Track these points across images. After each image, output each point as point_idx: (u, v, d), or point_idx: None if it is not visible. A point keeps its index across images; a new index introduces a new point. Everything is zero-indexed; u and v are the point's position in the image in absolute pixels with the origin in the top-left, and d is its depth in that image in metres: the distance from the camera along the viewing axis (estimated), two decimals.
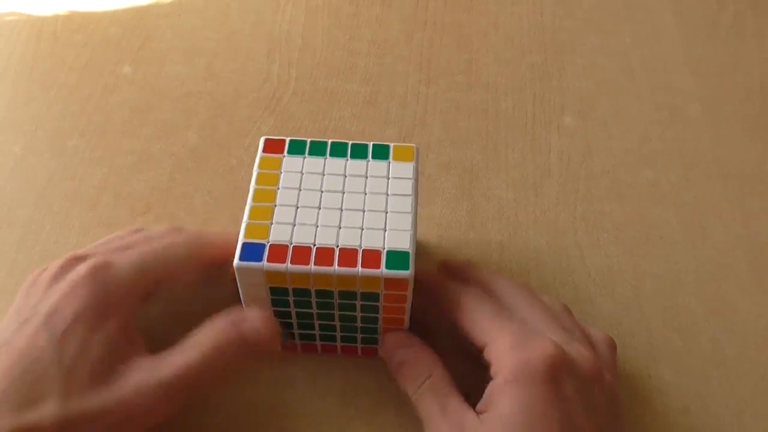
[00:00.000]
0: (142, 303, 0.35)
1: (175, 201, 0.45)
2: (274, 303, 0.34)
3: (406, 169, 0.36)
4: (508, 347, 0.31)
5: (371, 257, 0.32)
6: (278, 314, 0.35)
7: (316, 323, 0.36)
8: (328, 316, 0.35)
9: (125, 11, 0.57)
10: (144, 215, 0.44)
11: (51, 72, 0.52)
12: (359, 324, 0.36)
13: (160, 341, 0.33)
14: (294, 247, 0.33)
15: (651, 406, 0.37)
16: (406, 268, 0.32)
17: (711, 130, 0.50)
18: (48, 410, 0.29)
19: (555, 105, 0.51)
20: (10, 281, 0.41)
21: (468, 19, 0.57)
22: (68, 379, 0.30)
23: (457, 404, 0.32)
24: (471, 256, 0.43)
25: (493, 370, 0.32)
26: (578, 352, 0.32)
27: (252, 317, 0.34)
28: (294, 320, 0.36)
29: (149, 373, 0.31)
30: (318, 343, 0.37)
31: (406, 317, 0.35)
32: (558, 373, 0.30)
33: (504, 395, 0.30)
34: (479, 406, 0.32)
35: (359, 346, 0.37)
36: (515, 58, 0.54)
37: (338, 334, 0.37)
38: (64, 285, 0.33)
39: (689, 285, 0.42)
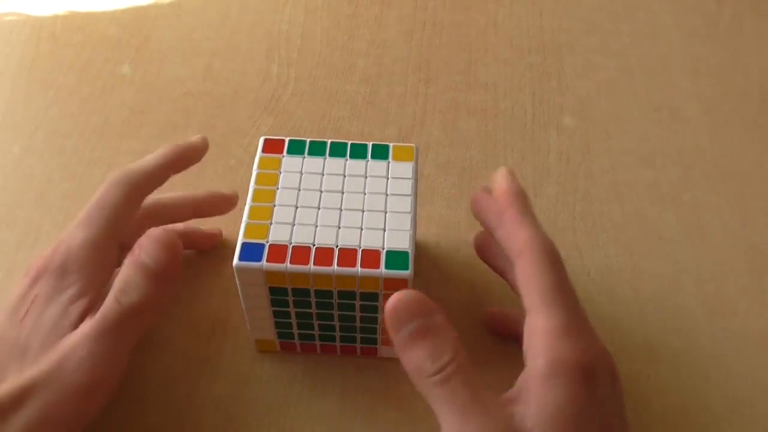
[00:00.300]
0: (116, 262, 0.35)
1: None
2: (274, 303, 0.34)
3: (406, 169, 0.36)
4: (557, 334, 0.28)
5: (371, 257, 0.32)
6: (278, 314, 0.35)
7: (316, 323, 0.36)
8: (327, 316, 0.35)
9: (124, 11, 0.57)
10: None
11: (50, 72, 0.52)
12: (358, 324, 0.36)
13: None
14: (293, 247, 0.33)
15: (650, 406, 0.38)
16: (406, 268, 0.32)
17: (710, 130, 0.50)
18: (5, 387, 0.30)
19: (554, 105, 0.51)
20: (9, 281, 0.41)
21: (467, 19, 0.57)
22: (23, 355, 0.31)
23: (490, 394, 0.28)
24: (471, 256, 0.43)
25: (533, 348, 0.29)
26: (607, 354, 0.31)
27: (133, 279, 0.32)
28: (293, 320, 0.36)
29: (81, 328, 0.32)
30: (317, 343, 0.37)
31: None
32: (602, 375, 0.29)
33: (549, 387, 0.27)
34: (511, 394, 0.29)
35: (358, 346, 0.37)
36: (514, 58, 0.54)
37: (338, 334, 0.37)
38: (26, 275, 0.34)
39: (688, 285, 0.42)
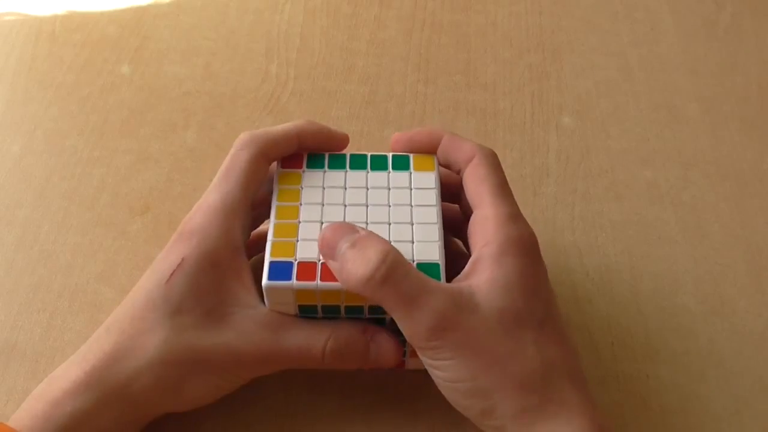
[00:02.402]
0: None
1: (174, 201, 0.45)
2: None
3: (428, 178, 0.35)
4: (504, 220, 0.32)
5: None
6: None
7: None
8: None
9: (124, 11, 0.57)
10: (142, 215, 0.44)
11: (49, 72, 0.52)
12: None
13: None
14: (323, 263, 0.32)
15: (649, 406, 0.38)
16: (438, 280, 0.32)
17: (709, 130, 0.50)
18: (153, 342, 0.31)
19: (553, 105, 0.51)
20: (9, 281, 0.41)
21: (466, 19, 0.57)
22: (174, 316, 0.31)
23: (435, 282, 0.31)
24: None
25: (484, 236, 0.32)
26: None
27: (384, 341, 0.34)
28: None
29: (254, 319, 0.32)
30: None
31: None
32: (538, 251, 0.33)
33: (500, 263, 0.31)
34: (458, 278, 0.32)
35: None
36: (514, 57, 0.54)
37: None
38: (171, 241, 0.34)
39: (687, 285, 0.42)
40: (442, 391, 0.32)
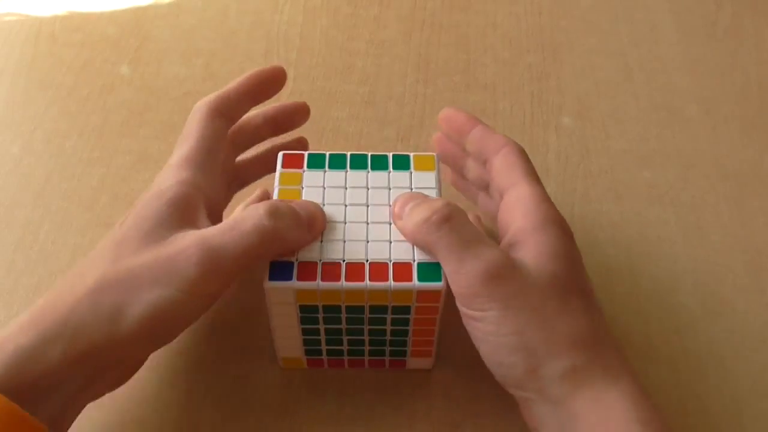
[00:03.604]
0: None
1: None
2: (303, 321, 0.34)
3: (429, 178, 0.35)
4: (543, 198, 0.34)
5: (402, 270, 0.32)
6: (307, 332, 0.35)
7: (345, 339, 0.35)
8: (357, 331, 0.35)
9: (123, 12, 0.57)
10: None
11: (49, 72, 0.52)
12: (389, 337, 0.35)
13: None
14: (323, 263, 0.32)
15: None
16: (438, 280, 0.32)
17: (709, 130, 0.50)
18: (92, 274, 0.31)
19: (553, 105, 0.51)
20: (8, 281, 0.41)
21: (466, 19, 0.57)
22: (118, 246, 0.31)
23: (486, 237, 0.32)
24: None
25: (523, 210, 0.33)
26: None
27: (288, 213, 0.32)
28: (322, 337, 0.35)
29: (194, 239, 0.31)
30: (345, 358, 0.37)
31: (437, 328, 0.35)
32: (573, 236, 0.34)
33: (545, 232, 0.32)
34: (503, 246, 0.33)
35: (387, 359, 0.37)
36: (513, 58, 0.54)
37: (366, 348, 0.36)
38: None
39: (687, 285, 0.42)
40: (483, 349, 0.32)
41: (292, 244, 0.32)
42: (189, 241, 0.31)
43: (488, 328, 0.31)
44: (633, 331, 0.40)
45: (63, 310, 0.30)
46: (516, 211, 0.34)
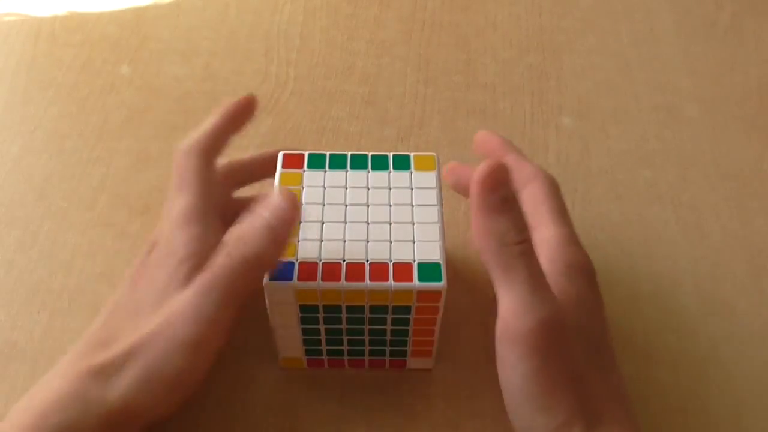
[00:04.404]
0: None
1: None
2: (303, 321, 0.34)
3: (429, 178, 0.35)
4: (568, 241, 0.33)
5: (403, 270, 0.32)
6: (307, 332, 0.35)
7: (345, 339, 0.35)
8: (357, 331, 0.35)
9: (123, 11, 0.57)
10: (142, 215, 0.44)
11: (49, 72, 0.52)
12: (389, 337, 0.35)
13: None
14: (324, 263, 0.32)
15: (649, 406, 0.38)
16: (439, 280, 0.32)
17: (709, 130, 0.50)
18: (113, 348, 0.31)
19: (553, 105, 0.51)
20: (8, 281, 0.41)
21: (466, 19, 0.57)
22: (136, 316, 0.32)
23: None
24: (470, 255, 0.43)
25: (548, 254, 0.33)
26: None
27: (248, 233, 0.31)
28: (323, 337, 0.35)
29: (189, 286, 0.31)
30: (345, 358, 0.37)
31: (437, 328, 0.35)
32: (596, 279, 0.34)
33: (570, 281, 0.32)
34: None
35: (387, 359, 0.37)
36: (513, 58, 0.54)
37: (367, 349, 0.36)
38: (144, 251, 0.35)
39: (687, 285, 0.42)
40: (510, 402, 0.31)
41: (273, 256, 0.32)
42: (174, 303, 0.31)
43: (516, 381, 0.30)
44: (633, 331, 0.40)
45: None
46: (540, 255, 0.32)
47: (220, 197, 0.36)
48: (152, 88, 0.51)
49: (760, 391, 0.38)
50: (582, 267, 0.33)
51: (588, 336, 0.31)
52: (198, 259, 0.32)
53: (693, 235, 0.44)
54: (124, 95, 0.51)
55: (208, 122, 0.37)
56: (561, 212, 0.35)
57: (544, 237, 0.33)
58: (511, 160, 0.36)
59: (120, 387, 0.30)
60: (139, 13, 0.56)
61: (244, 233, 0.31)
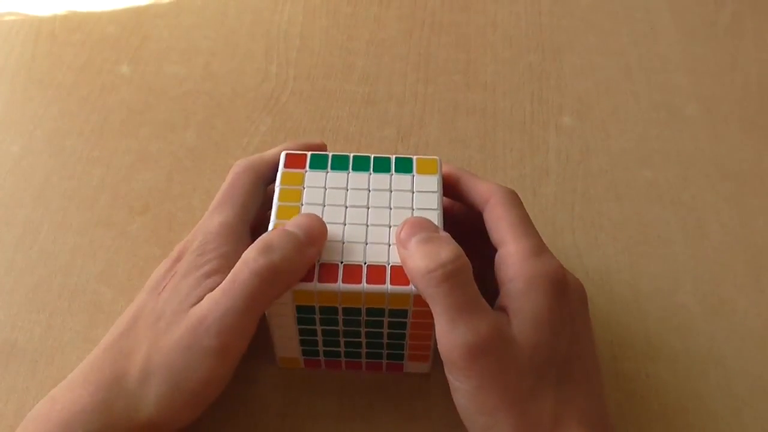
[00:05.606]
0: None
1: (173, 201, 0.45)
2: (300, 321, 0.34)
3: (431, 182, 0.35)
4: (528, 255, 0.32)
5: (400, 274, 0.32)
6: (303, 332, 0.35)
7: (342, 341, 0.35)
8: (354, 333, 0.35)
9: (123, 11, 0.57)
10: (142, 215, 0.44)
11: (49, 71, 0.52)
12: (386, 340, 0.35)
13: None
14: (321, 264, 0.32)
15: (648, 405, 0.38)
16: None
17: (709, 129, 0.50)
18: (136, 360, 0.31)
19: (553, 104, 0.51)
20: (8, 281, 0.41)
21: (466, 19, 0.57)
22: (157, 322, 0.32)
23: (483, 300, 0.31)
24: None
25: (508, 273, 0.32)
26: (579, 282, 0.35)
27: (278, 243, 0.31)
28: (319, 338, 0.35)
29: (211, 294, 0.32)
30: (342, 360, 0.37)
31: (434, 333, 0.35)
32: (572, 293, 0.33)
33: (528, 298, 0.31)
34: (495, 307, 0.32)
35: (384, 362, 0.37)
36: (513, 57, 0.54)
37: (363, 351, 0.36)
38: (168, 258, 0.36)
39: (687, 284, 0.42)
40: (461, 414, 0.32)
41: (299, 269, 0.31)
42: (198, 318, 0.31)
43: (460, 401, 0.31)
44: (633, 330, 0.40)
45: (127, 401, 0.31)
46: (502, 272, 0.33)
47: (257, 220, 0.36)
48: (152, 88, 0.51)
49: (760, 390, 0.38)
50: (546, 277, 0.31)
51: (547, 353, 0.30)
52: (224, 278, 0.32)
53: (693, 235, 0.44)
54: (123, 95, 0.51)
55: (275, 149, 0.38)
56: (522, 225, 0.33)
57: (508, 253, 0.32)
58: (465, 182, 0.36)
59: (145, 401, 0.30)
60: (139, 12, 0.56)
61: (271, 241, 0.31)
